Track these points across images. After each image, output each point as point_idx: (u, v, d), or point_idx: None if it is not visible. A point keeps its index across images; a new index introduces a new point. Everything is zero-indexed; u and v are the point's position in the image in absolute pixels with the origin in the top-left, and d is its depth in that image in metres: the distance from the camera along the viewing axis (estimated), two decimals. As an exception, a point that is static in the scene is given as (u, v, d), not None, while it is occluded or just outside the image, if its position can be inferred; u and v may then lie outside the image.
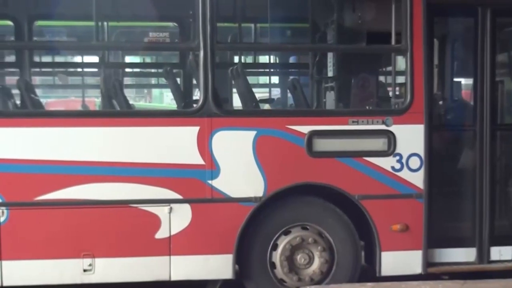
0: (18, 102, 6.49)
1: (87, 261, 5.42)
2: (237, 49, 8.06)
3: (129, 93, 9.94)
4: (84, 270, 5.42)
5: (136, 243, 5.50)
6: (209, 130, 5.53)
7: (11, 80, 7.70)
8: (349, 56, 7.00)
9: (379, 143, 5.75)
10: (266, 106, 7.65)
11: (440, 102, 6.83)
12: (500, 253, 6.06)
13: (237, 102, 6.92)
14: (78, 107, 8.55)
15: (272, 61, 9.30)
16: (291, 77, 7.74)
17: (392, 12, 5.86)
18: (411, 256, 5.82)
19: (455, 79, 7.42)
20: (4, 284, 5.34)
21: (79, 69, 8.90)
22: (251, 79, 7.88)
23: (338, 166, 5.72)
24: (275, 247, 5.76)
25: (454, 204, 6.17)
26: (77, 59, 9.09)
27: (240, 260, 5.66)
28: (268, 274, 5.76)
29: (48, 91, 10.35)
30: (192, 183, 5.53)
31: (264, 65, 9.44)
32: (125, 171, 5.47)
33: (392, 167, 5.76)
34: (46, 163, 5.38)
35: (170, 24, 8.55)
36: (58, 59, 9.11)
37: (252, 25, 8.36)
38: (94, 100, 9.71)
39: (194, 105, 5.86)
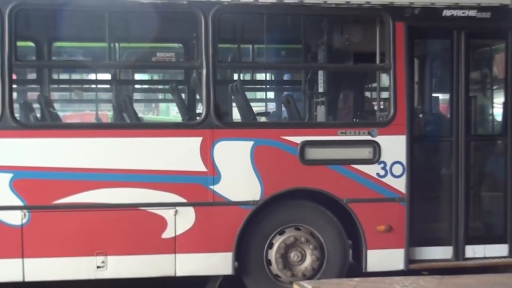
0: (38, 115, 6.52)
1: (100, 258, 5.44)
2: (237, 67, 8.05)
3: (138, 107, 9.99)
4: (98, 267, 5.44)
5: (144, 242, 5.51)
6: (211, 141, 5.55)
7: (32, 95, 7.72)
8: (338, 74, 7.00)
9: (365, 152, 5.78)
10: (263, 119, 7.65)
11: (420, 115, 6.84)
12: (474, 251, 6.08)
13: (236, 115, 6.93)
14: (92, 120, 8.55)
15: (268, 78, 9.31)
16: (285, 93, 7.76)
17: (376, 34, 5.92)
18: (394, 254, 5.85)
19: (434, 95, 7.42)
20: (26, 279, 5.36)
21: (93, 86, 8.91)
22: (249, 95, 7.91)
23: (328, 172, 5.74)
24: (271, 245, 5.78)
25: (433, 207, 6.17)
26: (92, 76, 9.09)
27: (239, 257, 5.66)
28: (265, 270, 5.77)
29: (65, 105, 10.35)
30: (195, 188, 5.55)
31: (260, 82, 9.45)
32: (134, 177, 5.49)
33: (377, 174, 5.79)
34: (64, 170, 5.40)
35: (176, 45, 8.56)
36: (74, 76, 9.16)
37: (250, 46, 8.39)
38: (107, 114, 9.71)
39: (198, 118, 5.90)
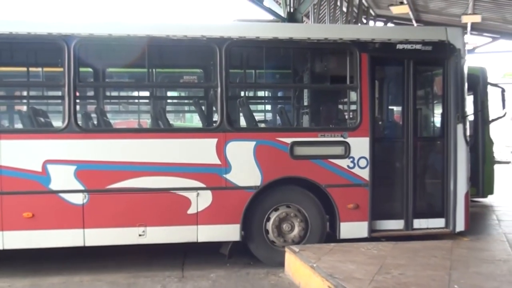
0: (95, 122, 6.53)
1: (141, 229, 5.47)
2: (243, 87, 8.06)
3: (170, 116, 9.92)
4: (139, 235, 5.47)
5: (174, 217, 5.53)
6: (224, 141, 5.58)
7: (91, 107, 7.72)
8: (318, 91, 7.00)
9: (339, 150, 5.80)
10: (262, 125, 7.64)
11: (380, 122, 6.84)
12: (420, 223, 6.09)
13: (242, 122, 6.93)
14: (135, 126, 8.53)
15: (266, 95, 9.30)
16: (279, 105, 7.75)
17: (347, 62, 5.93)
18: (360, 225, 5.85)
19: (390, 107, 7.41)
20: (86, 244, 5.40)
21: (136, 100, 8.91)
22: (252, 107, 7.87)
23: (311, 165, 5.75)
24: (268, 219, 5.80)
25: (389, 190, 6.16)
26: (135, 93, 9.10)
27: (245, 228, 5.69)
28: (263, 238, 5.80)
29: (115, 115, 10.29)
30: (212, 176, 5.57)
31: (261, 97, 9.41)
32: (167, 169, 5.51)
33: (348, 166, 5.81)
34: (114, 163, 5.44)
35: (198, 70, 8.56)
36: (122, 93, 9.12)
37: (253, 71, 8.38)
38: (146, 121, 9.71)
39: (214, 124, 5.90)
